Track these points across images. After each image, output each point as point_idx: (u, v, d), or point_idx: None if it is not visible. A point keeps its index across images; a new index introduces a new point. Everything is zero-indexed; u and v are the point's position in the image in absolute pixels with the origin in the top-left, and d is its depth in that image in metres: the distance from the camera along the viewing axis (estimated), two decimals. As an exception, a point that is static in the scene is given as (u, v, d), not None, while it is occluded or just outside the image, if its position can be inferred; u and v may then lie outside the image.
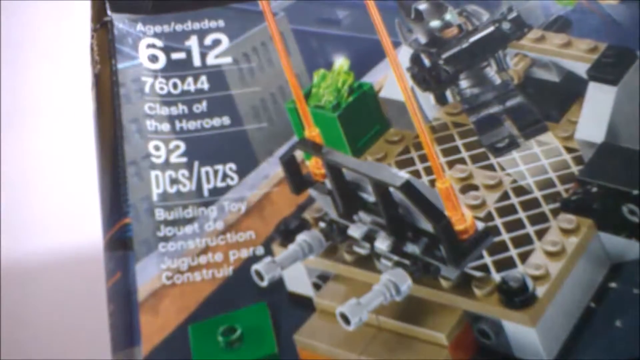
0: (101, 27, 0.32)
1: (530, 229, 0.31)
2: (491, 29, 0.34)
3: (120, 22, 0.32)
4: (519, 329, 0.29)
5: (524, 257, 0.30)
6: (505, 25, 0.34)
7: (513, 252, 0.30)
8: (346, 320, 0.29)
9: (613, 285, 0.30)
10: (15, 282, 0.40)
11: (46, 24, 0.50)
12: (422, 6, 0.34)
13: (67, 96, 0.46)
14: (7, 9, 0.50)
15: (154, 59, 0.32)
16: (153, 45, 0.32)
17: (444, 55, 0.33)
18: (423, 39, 0.34)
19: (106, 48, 0.32)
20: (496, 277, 0.30)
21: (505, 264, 0.30)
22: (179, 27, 0.33)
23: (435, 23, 0.34)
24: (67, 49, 0.49)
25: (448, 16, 0.34)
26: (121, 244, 0.29)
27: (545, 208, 0.31)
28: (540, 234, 0.31)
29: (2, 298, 0.40)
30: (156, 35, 0.33)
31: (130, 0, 0.33)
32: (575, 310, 0.30)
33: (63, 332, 0.40)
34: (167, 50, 0.32)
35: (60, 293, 0.40)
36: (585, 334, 0.29)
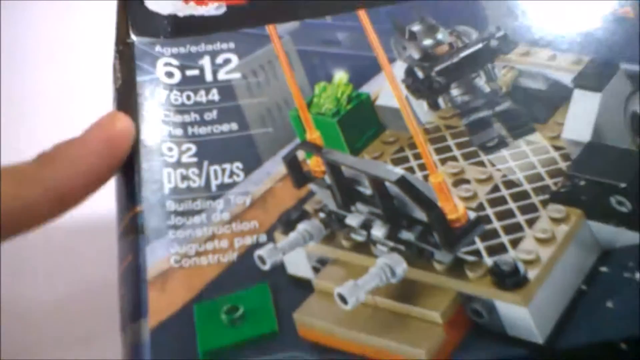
0: (124, 48, 0.36)
1: (520, 218, 0.32)
2: (480, 45, 0.37)
3: (141, 44, 0.36)
4: (511, 309, 0.30)
5: (515, 243, 0.32)
6: (494, 43, 0.37)
7: (504, 239, 0.32)
8: (344, 300, 0.30)
9: (604, 269, 0.31)
10: (14, 265, 0.42)
11: (46, 24, 0.53)
12: (416, 28, 0.37)
13: (68, 96, 0.50)
14: (7, 9, 0.54)
15: (170, 75, 0.35)
16: (169, 64, 0.36)
17: (436, 68, 0.36)
18: (416, 55, 0.37)
19: (127, 65, 0.35)
20: (488, 261, 0.31)
21: (497, 250, 0.31)
22: (193, 49, 0.36)
23: (427, 41, 0.37)
24: (69, 49, 0.52)
25: (440, 35, 0.37)
26: (133, 230, 0.31)
27: (535, 199, 0.33)
28: (531, 222, 0.32)
29: (2, 281, 0.41)
30: (173, 55, 0.36)
31: (152, 24, 0.36)
32: (567, 291, 0.31)
33: (63, 316, 0.41)
34: (182, 68, 0.36)
35: (61, 280, 0.42)
36: (578, 313, 0.30)
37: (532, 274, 0.31)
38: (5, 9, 0.54)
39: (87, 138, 0.32)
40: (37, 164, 0.32)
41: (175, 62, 0.36)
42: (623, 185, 0.33)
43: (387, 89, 0.35)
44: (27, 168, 0.31)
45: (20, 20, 0.54)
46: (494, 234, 0.32)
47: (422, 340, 0.29)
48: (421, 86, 0.36)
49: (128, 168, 0.33)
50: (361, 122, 0.35)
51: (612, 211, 0.32)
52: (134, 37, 0.36)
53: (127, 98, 0.35)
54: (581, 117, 0.35)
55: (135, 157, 0.33)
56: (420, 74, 0.36)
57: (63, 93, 0.50)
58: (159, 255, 0.31)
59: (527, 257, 0.31)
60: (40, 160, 0.32)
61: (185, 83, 0.35)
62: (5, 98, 0.50)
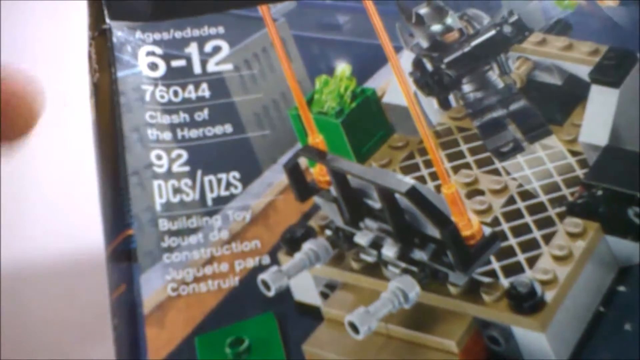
0: (99, 35, 0.32)
1: (537, 234, 0.31)
2: (492, 32, 0.34)
3: (118, 29, 0.32)
4: (528, 335, 0.29)
5: (531, 261, 0.30)
6: (507, 29, 0.34)
7: (521, 257, 0.30)
8: (355, 329, 0.29)
9: (622, 288, 0.30)
10: (13, 288, 0.40)
11: (46, 25, 0.50)
12: (423, 10, 0.34)
13: (67, 95, 0.46)
14: (7, 9, 0.50)
15: (153, 67, 0.32)
16: (153, 53, 0.32)
17: (446, 60, 0.33)
18: (425, 43, 0.34)
19: (105, 56, 0.31)
20: (504, 282, 0.30)
21: (513, 269, 0.30)
22: (178, 34, 0.32)
23: (436, 27, 0.34)
24: (67, 50, 0.49)
25: (449, 20, 0.34)
26: (125, 256, 0.28)
27: (552, 212, 0.31)
28: (547, 238, 0.31)
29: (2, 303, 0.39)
30: (155, 42, 0.32)
31: (129, 6, 0.32)
32: (585, 314, 0.30)
33: (62, 340, 0.39)
34: (166, 57, 0.32)
35: (60, 299, 0.40)
36: (595, 338, 0.29)
37: (549, 295, 0.29)
38: (5, 9, 0.49)
39: None
40: None
41: (158, 50, 0.32)
42: (641, 194, 0.31)
43: (394, 85, 0.32)
44: None
45: (20, 20, 0.48)
46: (510, 251, 0.30)
47: (438, 372, 0.28)
48: (430, 80, 0.33)
49: (113, 180, 0.30)
50: (367, 123, 0.32)
51: (630, 224, 0.31)
52: (110, 21, 0.32)
53: (106, 96, 0.31)
54: (598, 118, 0.33)
55: (120, 168, 0.30)
56: (429, 66, 0.33)
57: (62, 92, 0.46)
58: (154, 285, 0.28)
59: (544, 277, 0.30)
60: None
61: (172, 76, 0.32)
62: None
